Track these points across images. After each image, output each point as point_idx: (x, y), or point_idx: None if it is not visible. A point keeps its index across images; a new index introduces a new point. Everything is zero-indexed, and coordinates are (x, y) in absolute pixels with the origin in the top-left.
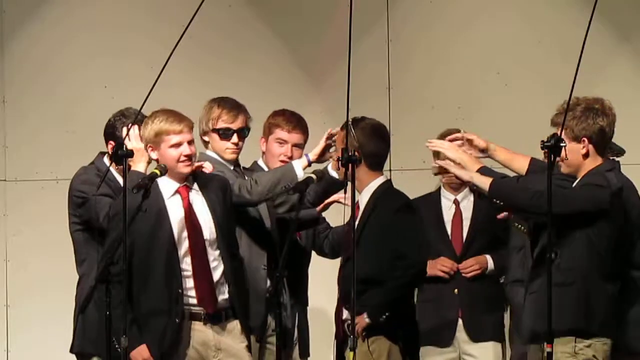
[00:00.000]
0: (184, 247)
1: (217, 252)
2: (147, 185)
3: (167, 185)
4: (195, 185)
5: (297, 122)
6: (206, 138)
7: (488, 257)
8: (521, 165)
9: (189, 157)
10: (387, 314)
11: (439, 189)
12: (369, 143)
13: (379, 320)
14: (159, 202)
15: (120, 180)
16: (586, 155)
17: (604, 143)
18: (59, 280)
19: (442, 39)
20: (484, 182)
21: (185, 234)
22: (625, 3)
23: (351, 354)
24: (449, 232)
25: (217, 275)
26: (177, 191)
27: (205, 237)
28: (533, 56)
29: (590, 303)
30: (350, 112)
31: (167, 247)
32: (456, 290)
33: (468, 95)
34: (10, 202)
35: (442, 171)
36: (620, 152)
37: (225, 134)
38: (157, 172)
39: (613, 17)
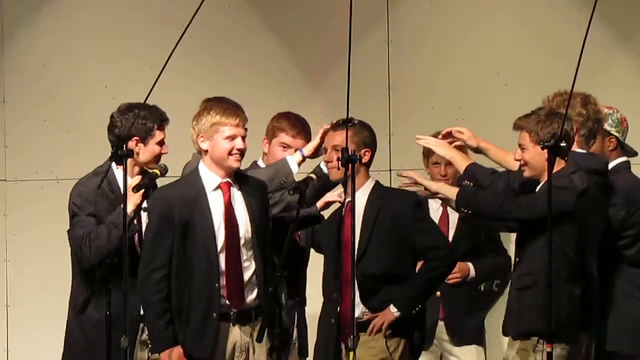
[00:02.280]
0: (220, 243)
1: (250, 252)
2: (147, 185)
3: (209, 179)
4: (236, 184)
5: (301, 128)
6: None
7: (470, 265)
8: (513, 162)
9: (241, 152)
10: (419, 306)
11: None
12: (374, 144)
13: (410, 313)
14: (201, 195)
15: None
16: None
17: (568, 146)
18: (59, 280)
19: (442, 39)
20: (451, 192)
21: (222, 229)
22: (625, 3)
23: (351, 353)
24: None
25: (247, 275)
26: (219, 186)
27: (240, 236)
28: (533, 56)
29: (554, 307)
30: (350, 112)
31: (207, 242)
32: (438, 293)
33: (468, 95)
34: (10, 202)
35: (408, 178)
36: (633, 153)
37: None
38: (157, 172)
39: (613, 18)
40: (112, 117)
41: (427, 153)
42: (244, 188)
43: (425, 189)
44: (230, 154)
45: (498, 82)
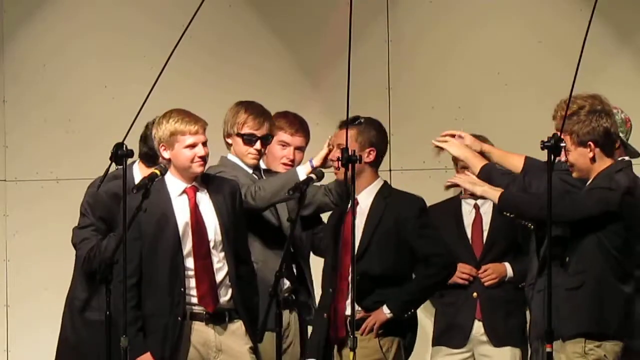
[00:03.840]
0: (188, 246)
1: (222, 254)
2: (147, 185)
3: (174, 185)
4: (204, 187)
5: (299, 125)
6: (229, 140)
7: (507, 265)
8: (516, 164)
9: (203, 158)
10: (412, 310)
11: (460, 193)
12: (381, 143)
13: (402, 316)
14: (165, 201)
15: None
16: (594, 159)
17: (610, 143)
18: (59, 280)
19: (442, 39)
20: (494, 195)
21: (189, 233)
22: (625, 3)
23: (351, 354)
24: (469, 236)
25: (220, 276)
26: (184, 191)
27: (209, 239)
28: (533, 56)
29: (604, 306)
30: (350, 112)
31: (172, 246)
32: (475, 294)
33: (468, 95)
34: (10, 202)
35: (454, 186)
36: (635, 154)
37: (249, 140)
38: (157, 172)
39: (613, 17)
40: (146, 127)
41: (456, 158)
42: (212, 190)
43: (471, 192)
44: (192, 161)
45: (498, 82)
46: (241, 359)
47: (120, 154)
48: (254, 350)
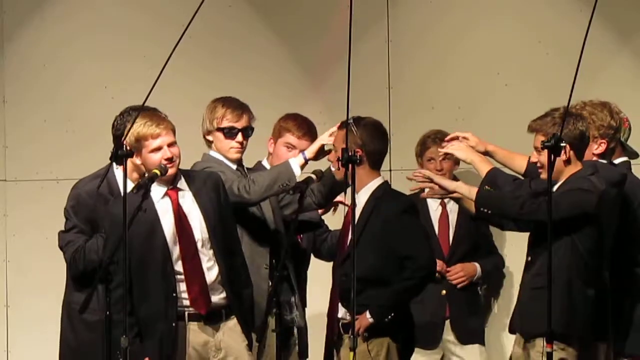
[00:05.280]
0: (177, 249)
1: (211, 252)
2: (147, 185)
3: (155, 189)
4: (185, 186)
5: (307, 129)
6: (210, 137)
7: (477, 265)
8: (520, 164)
9: (171, 160)
10: (391, 315)
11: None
12: (371, 142)
13: (383, 321)
14: (148, 207)
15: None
16: (567, 162)
17: (583, 148)
18: (59, 280)
19: (442, 39)
20: (470, 192)
21: (176, 237)
22: (625, 3)
23: (351, 354)
24: (436, 233)
25: (212, 275)
26: (166, 194)
27: (197, 238)
28: (533, 56)
29: (568, 308)
30: (350, 112)
31: (160, 251)
32: (444, 291)
33: (468, 95)
34: (10, 202)
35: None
36: (634, 154)
37: (230, 133)
38: (157, 172)
39: (613, 17)
40: (114, 119)
41: (420, 152)
42: (194, 188)
43: (442, 187)
44: (161, 164)
45: (498, 82)
46: (240, 357)
47: (120, 154)
48: (250, 347)
